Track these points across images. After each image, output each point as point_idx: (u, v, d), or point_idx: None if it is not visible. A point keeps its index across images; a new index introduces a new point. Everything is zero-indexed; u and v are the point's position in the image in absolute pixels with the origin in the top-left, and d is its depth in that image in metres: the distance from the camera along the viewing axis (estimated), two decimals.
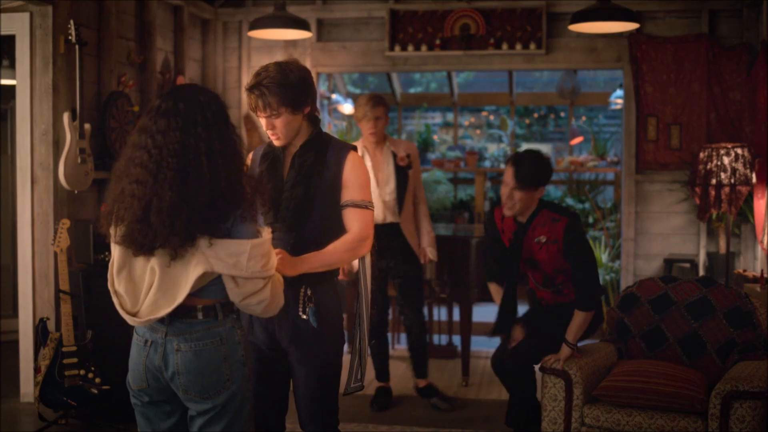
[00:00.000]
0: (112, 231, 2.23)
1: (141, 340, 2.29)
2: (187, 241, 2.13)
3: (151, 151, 2.13)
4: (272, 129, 2.64)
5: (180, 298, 2.16)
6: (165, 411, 2.33)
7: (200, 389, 2.22)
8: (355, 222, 2.64)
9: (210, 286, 2.21)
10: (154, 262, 2.18)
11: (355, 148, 2.74)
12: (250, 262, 2.15)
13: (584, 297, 3.58)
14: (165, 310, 2.17)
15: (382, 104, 4.74)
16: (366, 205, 2.67)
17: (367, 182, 2.70)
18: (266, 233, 2.23)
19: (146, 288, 2.20)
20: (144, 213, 2.11)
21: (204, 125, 2.14)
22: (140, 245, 2.14)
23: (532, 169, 3.68)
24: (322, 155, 2.66)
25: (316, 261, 2.58)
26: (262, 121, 2.64)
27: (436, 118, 10.68)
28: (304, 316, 2.56)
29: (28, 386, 4.78)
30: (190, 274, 2.15)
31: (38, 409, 4.23)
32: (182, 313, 2.22)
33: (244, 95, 4.47)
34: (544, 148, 10.11)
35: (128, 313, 2.22)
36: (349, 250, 2.61)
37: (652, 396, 3.41)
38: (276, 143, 2.70)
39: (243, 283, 2.19)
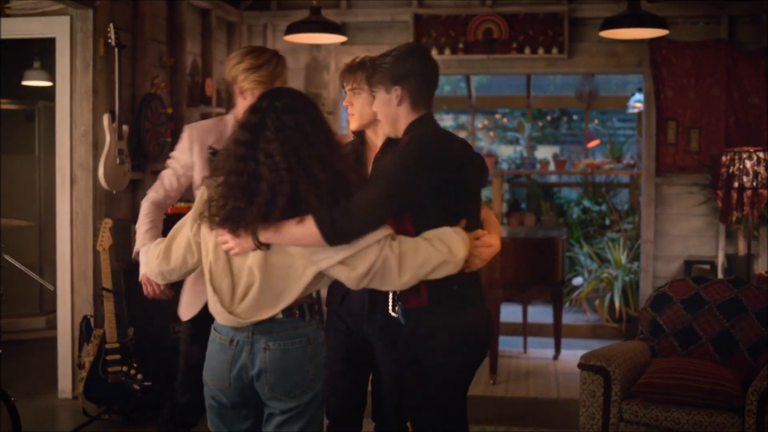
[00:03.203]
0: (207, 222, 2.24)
1: (225, 339, 2.29)
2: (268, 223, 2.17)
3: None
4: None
5: (286, 302, 2.21)
6: (241, 414, 2.35)
7: (287, 388, 2.24)
8: None
9: None
10: (252, 262, 2.22)
11: None
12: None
13: (335, 219, 2.18)
14: (269, 313, 2.21)
15: None
16: None
17: None
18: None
19: (244, 288, 2.24)
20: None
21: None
22: (235, 223, 2.18)
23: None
24: None
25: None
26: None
27: (449, 120, 10.78)
28: (394, 314, 2.63)
29: (66, 382, 4.86)
30: (300, 279, 2.20)
31: (83, 405, 4.32)
32: None
33: None
34: (558, 151, 10.21)
35: (226, 309, 2.25)
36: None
37: (689, 392, 3.51)
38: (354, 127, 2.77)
39: (355, 264, 2.20)
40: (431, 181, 2.34)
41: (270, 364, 2.23)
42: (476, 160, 2.54)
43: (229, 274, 2.26)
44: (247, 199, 2.15)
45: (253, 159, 2.16)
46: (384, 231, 2.22)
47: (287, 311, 2.25)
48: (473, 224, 2.43)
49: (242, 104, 2.96)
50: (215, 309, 2.27)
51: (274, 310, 2.22)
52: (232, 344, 2.27)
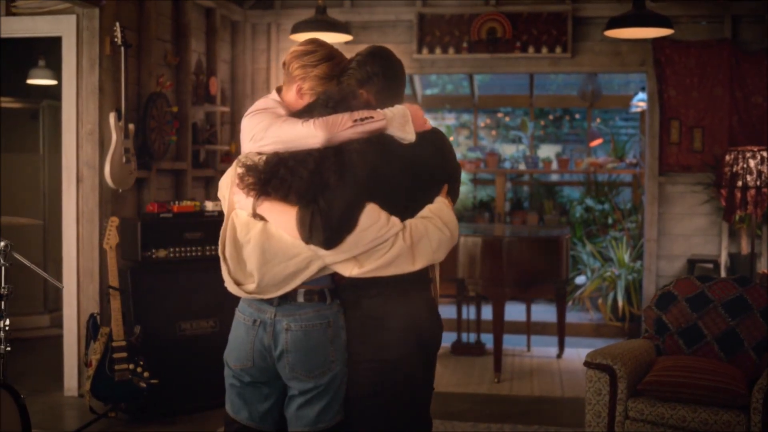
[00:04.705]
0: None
1: (248, 320, 2.37)
2: None
3: None
4: None
5: (271, 273, 2.31)
6: (263, 393, 2.41)
7: (307, 368, 2.31)
8: None
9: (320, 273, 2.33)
10: (255, 232, 2.38)
11: None
12: None
13: (314, 221, 2.26)
14: (252, 282, 2.32)
15: None
16: None
17: None
18: None
19: (246, 255, 2.37)
20: None
21: None
22: None
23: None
24: None
25: None
26: None
27: (451, 119, 10.80)
28: None
29: (72, 380, 4.88)
30: (302, 270, 2.32)
31: (90, 403, 4.33)
32: (292, 296, 2.34)
33: None
34: (560, 150, 10.23)
35: (232, 278, 2.37)
36: None
37: (695, 390, 3.52)
38: None
39: (363, 261, 2.29)
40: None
41: (292, 344, 2.31)
42: (428, 154, 2.41)
43: (235, 244, 2.37)
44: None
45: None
46: (395, 227, 2.27)
47: (310, 295, 2.32)
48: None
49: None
50: (225, 278, 2.37)
51: (259, 276, 2.30)
52: (255, 325, 2.35)
